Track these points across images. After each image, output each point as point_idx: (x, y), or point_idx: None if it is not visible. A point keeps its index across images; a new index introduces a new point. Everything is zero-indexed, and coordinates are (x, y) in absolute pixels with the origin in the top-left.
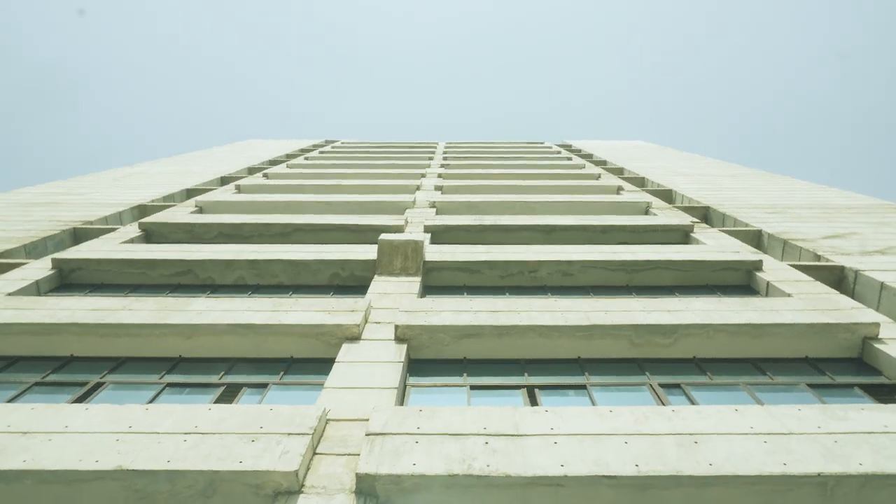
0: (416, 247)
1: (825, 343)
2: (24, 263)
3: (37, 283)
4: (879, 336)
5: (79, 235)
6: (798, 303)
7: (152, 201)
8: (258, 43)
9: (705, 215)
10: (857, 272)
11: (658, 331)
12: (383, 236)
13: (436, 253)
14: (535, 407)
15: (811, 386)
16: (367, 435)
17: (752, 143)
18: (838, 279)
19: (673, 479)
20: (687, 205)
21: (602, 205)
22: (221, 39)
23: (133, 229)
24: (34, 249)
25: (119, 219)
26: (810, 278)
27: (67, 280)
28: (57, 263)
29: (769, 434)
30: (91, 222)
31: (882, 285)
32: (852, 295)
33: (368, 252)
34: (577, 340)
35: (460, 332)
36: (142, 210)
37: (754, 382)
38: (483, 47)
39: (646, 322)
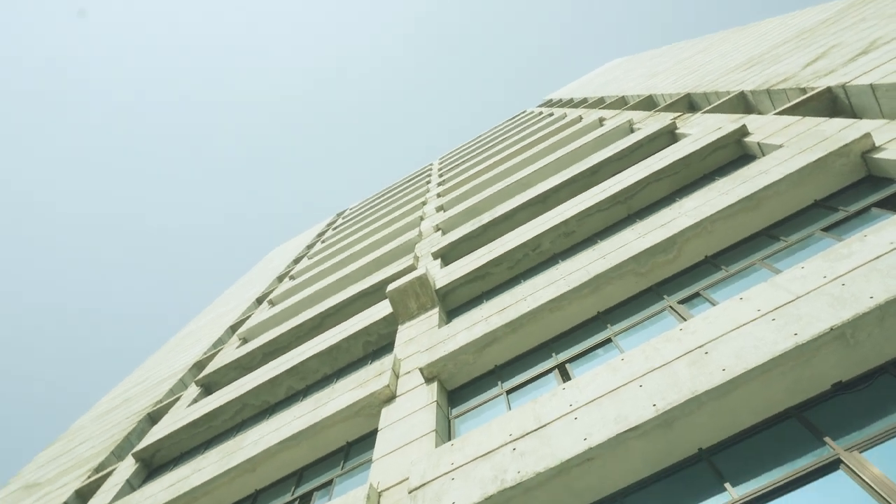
0: (423, 281)
1: (825, 179)
2: (114, 469)
3: (128, 481)
4: (877, 145)
5: (154, 417)
6: (785, 152)
7: (204, 354)
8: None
9: (690, 103)
10: (844, 86)
11: (657, 250)
12: (390, 286)
13: (444, 276)
14: (553, 388)
15: (827, 230)
16: (409, 492)
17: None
18: (831, 102)
19: (693, 403)
20: (669, 102)
21: (587, 146)
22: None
23: (193, 390)
24: (121, 451)
25: (182, 384)
26: (798, 117)
27: (153, 464)
28: (138, 456)
29: (776, 309)
30: (160, 401)
31: (872, 88)
32: (851, 111)
33: (383, 308)
34: (588, 298)
35: (479, 346)
36: (199, 366)
37: (770, 253)
38: (433, 51)
39: (642, 248)
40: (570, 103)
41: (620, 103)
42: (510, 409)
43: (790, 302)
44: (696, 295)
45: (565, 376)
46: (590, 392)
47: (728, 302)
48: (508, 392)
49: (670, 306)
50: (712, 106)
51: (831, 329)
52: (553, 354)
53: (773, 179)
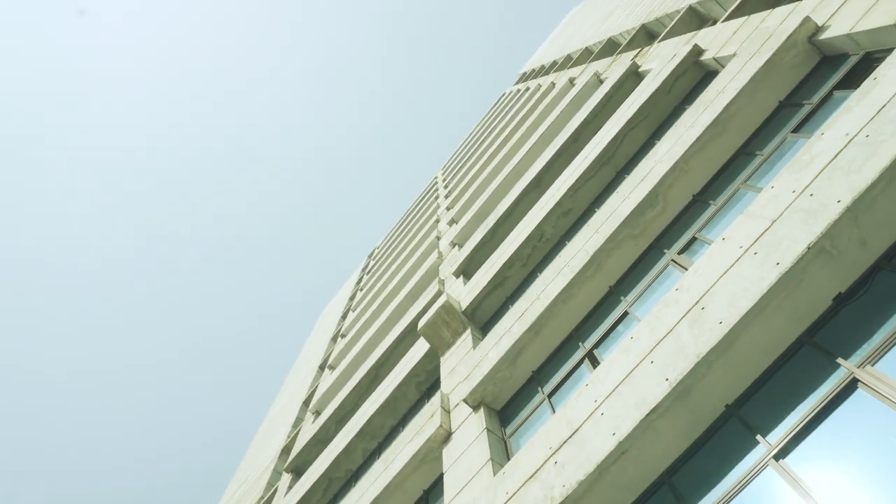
0: (447, 309)
1: (781, 78)
2: None
3: None
4: (820, 24)
5: None
6: (736, 63)
7: (288, 438)
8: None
9: (648, 34)
10: None
11: (644, 207)
12: (420, 323)
13: (467, 295)
14: (579, 387)
15: (797, 130)
16: None
17: None
18: None
19: (702, 365)
20: (628, 40)
21: (565, 112)
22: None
23: (286, 478)
24: None
25: (277, 473)
26: (744, 18)
27: None
28: None
29: (756, 241)
30: (262, 497)
31: None
32: None
33: (423, 345)
34: (594, 278)
35: (509, 359)
36: (286, 451)
37: (752, 172)
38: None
39: (629, 210)
40: (542, 71)
41: (586, 55)
42: (553, 412)
43: (767, 229)
44: (694, 240)
45: (595, 362)
46: (610, 382)
47: (713, 247)
48: (549, 395)
49: (672, 260)
50: (668, 30)
51: (808, 248)
52: (580, 344)
53: (730, 98)
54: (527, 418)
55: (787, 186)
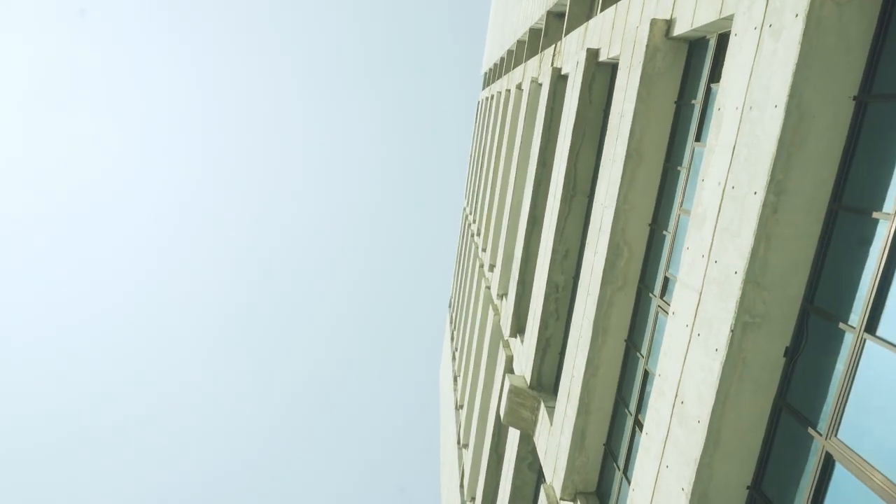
0: (516, 390)
1: (663, 82)
2: None
3: None
4: (670, 17)
5: None
6: (622, 77)
7: None
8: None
9: (557, 17)
10: None
11: (613, 258)
12: (502, 413)
13: (524, 365)
14: (628, 496)
15: (699, 138)
16: None
17: None
18: None
19: (703, 469)
20: (544, 30)
21: (526, 132)
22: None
23: None
24: None
25: None
26: (614, 6)
27: None
28: None
29: (695, 318)
30: None
31: None
32: None
33: (513, 436)
34: (607, 341)
35: (577, 444)
36: None
37: (683, 194)
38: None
39: (601, 267)
40: (497, 72)
41: (521, 49)
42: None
43: (699, 304)
44: (667, 280)
45: (640, 427)
46: (675, 363)
47: (669, 324)
48: (624, 471)
49: (659, 306)
50: (567, 18)
51: (732, 330)
52: (627, 412)
53: (630, 122)
54: (618, 495)
55: (697, 248)
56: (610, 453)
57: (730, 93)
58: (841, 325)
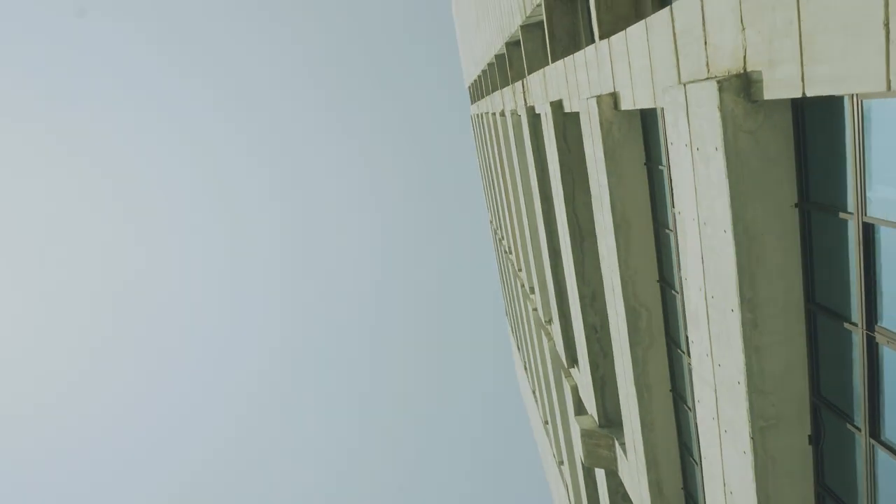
0: (589, 433)
1: (628, 150)
2: None
3: None
4: (615, 92)
5: None
6: (589, 147)
7: None
8: None
9: (519, 46)
10: None
11: (634, 320)
12: (581, 457)
13: (588, 403)
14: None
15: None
16: None
17: None
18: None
19: None
20: (509, 62)
21: (520, 146)
22: None
23: None
24: None
25: None
26: (563, 60)
27: None
28: None
29: (719, 417)
30: None
31: None
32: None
33: (600, 470)
34: (653, 393)
35: (655, 492)
36: None
37: (677, 259)
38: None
39: (625, 328)
40: (479, 91)
41: (494, 74)
42: None
43: (717, 401)
44: (688, 340)
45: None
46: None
47: (699, 412)
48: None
49: (688, 363)
50: (525, 57)
51: (752, 437)
52: (693, 461)
53: (608, 194)
54: None
55: (700, 346)
56: (689, 496)
57: (684, 200)
58: (849, 427)
